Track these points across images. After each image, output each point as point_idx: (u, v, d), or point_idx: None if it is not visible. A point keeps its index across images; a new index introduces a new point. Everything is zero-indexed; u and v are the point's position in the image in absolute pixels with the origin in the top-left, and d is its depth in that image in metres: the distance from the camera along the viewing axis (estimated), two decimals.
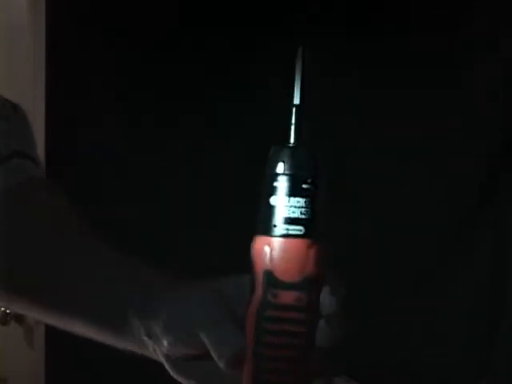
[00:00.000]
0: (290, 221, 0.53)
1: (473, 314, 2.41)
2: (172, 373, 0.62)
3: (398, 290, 2.37)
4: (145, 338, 0.62)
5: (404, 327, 2.39)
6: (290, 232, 0.53)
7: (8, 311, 1.67)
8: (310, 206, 0.53)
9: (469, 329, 2.42)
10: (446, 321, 2.41)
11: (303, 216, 0.53)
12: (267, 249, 0.54)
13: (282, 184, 0.53)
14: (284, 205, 0.53)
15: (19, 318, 1.70)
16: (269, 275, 0.54)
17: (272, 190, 0.53)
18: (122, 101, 2.19)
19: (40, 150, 1.77)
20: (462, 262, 2.40)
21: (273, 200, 0.53)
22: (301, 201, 0.53)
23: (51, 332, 1.96)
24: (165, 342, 0.59)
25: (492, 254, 2.41)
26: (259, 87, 2.11)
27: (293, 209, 0.53)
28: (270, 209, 0.53)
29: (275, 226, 0.53)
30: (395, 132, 2.31)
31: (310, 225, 0.54)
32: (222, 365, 0.56)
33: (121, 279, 0.65)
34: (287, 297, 0.54)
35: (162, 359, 0.62)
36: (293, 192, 0.53)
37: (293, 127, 0.54)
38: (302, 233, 0.54)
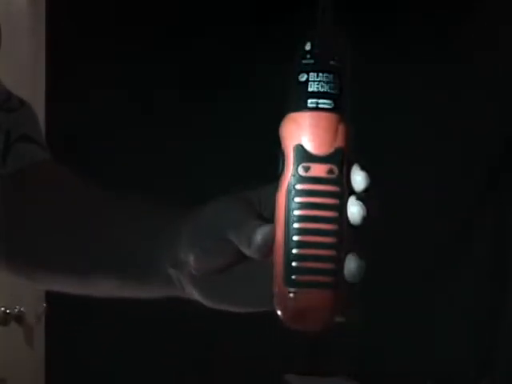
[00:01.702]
0: (319, 95, 0.54)
1: (473, 314, 2.41)
2: (200, 297, 0.59)
3: (398, 290, 2.37)
4: (170, 271, 0.60)
5: (404, 327, 2.39)
6: (320, 106, 0.54)
7: (8, 311, 1.67)
8: (338, 82, 0.54)
9: (469, 329, 2.42)
10: (446, 321, 2.41)
11: (332, 91, 0.54)
12: (298, 124, 0.54)
13: (310, 61, 0.54)
14: (313, 80, 0.54)
15: (19, 318, 1.70)
16: (300, 149, 0.54)
17: (301, 68, 0.54)
18: (123, 100, 2.19)
19: None
20: (462, 262, 2.40)
21: (302, 77, 0.54)
22: (329, 76, 0.54)
23: (51, 332, 1.96)
24: (191, 258, 0.57)
25: (492, 254, 2.42)
26: (259, 87, 2.11)
27: (322, 83, 0.54)
28: (300, 85, 0.54)
29: (305, 101, 0.54)
30: (395, 132, 2.31)
31: (338, 99, 0.54)
32: (254, 253, 0.54)
33: (144, 220, 0.65)
34: (319, 169, 0.54)
35: (189, 284, 0.59)
36: (322, 67, 0.54)
37: (320, 10, 0.55)
38: (331, 106, 0.54)
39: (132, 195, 0.68)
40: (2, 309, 1.67)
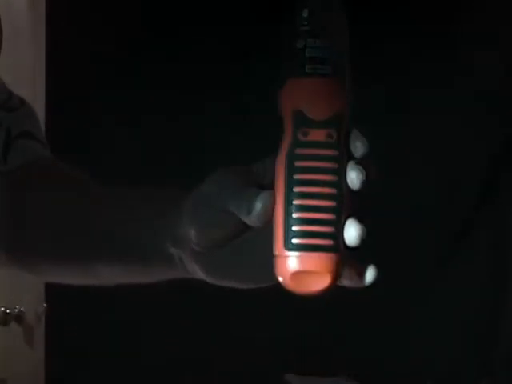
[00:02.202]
0: (318, 60, 0.54)
1: (473, 314, 2.41)
2: (202, 273, 0.59)
3: (398, 290, 2.37)
4: (171, 250, 0.60)
5: (404, 327, 2.39)
6: (318, 71, 0.54)
7: (8, 311, 1.67)
8: (336, 48, 0.55)
9: (469, 329, 2.42)
10: (446, 321, 2.41)
11: (330, 56, 0.55)
12: (296, 89, 0.55)
13: (308, 27, 0.55)
14: (311, 46, 0.55)
15: (19, 318, 1.70)
16: (299, 115, 0.55)
17: (299, 34, 0.55)
18: (123, 100, 2.19)
19: None
20: (462, 262, 2.40)
21: (299, 43, 0.55)
22: (327, 41, 0.55)
23: (51, 332, 1.96)
24: (192, 234, 0.57)
25: (492, 254, 2.41)
26: (259, 87, 2.11)
27: (320, 49, 0.55)
28: (298, 52, 0.55)
29: (303, 66, 0.54)
30: (395, 132, 2.31)
31: (336, 65, 0.55)
32: (254, 221, 0.55)
33: (143, 205, 0.65)
34: (318, 134, 0.54)
35: (191, 261, 0.59)
36: (319, 34, 0.55)
37: None
38: (329, 72, 0.55)
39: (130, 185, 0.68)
40: (2, 309, 1.67)
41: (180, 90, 2.24)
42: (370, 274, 0.58)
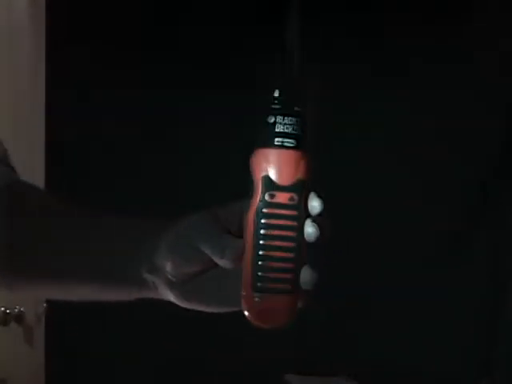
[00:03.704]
0: (284, 135, 0.66)
1: (473, 314, 2.41)
2: (175, 299, 0.71)
3: (397, 290, 2.37)
4: (145, 275, 0.71)
5: (404, 327, 2.39)
6: (285, 144, 0.66)
7: (8, 311, 1.67)
8: (301, 124, 0.66)
9: (469, 329, 2.42)
10: (446, 321, 2.41)
11: (295, 132, 0.67)
12: (266, 158, 0.67)
13: (278, 106, 0.66)
14: (279, 122, 0.66)
15: (19, 318, 1.70)
16: (267, 180, 0.67)
17: (270, 111, 0.66)
18: (123, 100, 2.19)
19: (40, 150, 1.77)
20: (462, 262, 2.40)
21: (270, 119, 0.66)
22: (293, 119, 0.66)
23: (51, 332, 1.96)
24: (168, 265, 0.68)
25: (492, 254, 2.41)
26: (258, 88, 2.11)
27: (287, 125, 0.66)
28: (268, 126, 0.66)
29: (273, 139, 0.66)
30: (395, 131, 2.31)
31: (300, 139, 0.67)
32: (226, 264, 0.66)
33: (119, 231, 0.74)
34: (282, 197, 0.66)
35: (165, 288, 0.69)
36: (287, 112, 0.66)
37: (288, 63, 0.66)
38: (294, 145, 0.67)
39: (107, 212, 0.76)
40: (2, 309, 1.67)
41: (182, 90, 2.24)
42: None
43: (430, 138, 2.32)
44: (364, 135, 2.33)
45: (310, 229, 0.66)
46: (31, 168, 1.64)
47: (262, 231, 0.67)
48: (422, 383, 2.32)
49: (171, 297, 0.71)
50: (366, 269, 2.44)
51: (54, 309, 1.85)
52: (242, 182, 0.69)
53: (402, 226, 2.35)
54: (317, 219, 0.66)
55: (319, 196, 0.66)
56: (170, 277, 0.69)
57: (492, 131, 2.35)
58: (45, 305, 1.81)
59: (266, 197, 0.66)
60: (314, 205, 0.66)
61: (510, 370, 2.36)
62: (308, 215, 0.66)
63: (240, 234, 0.68)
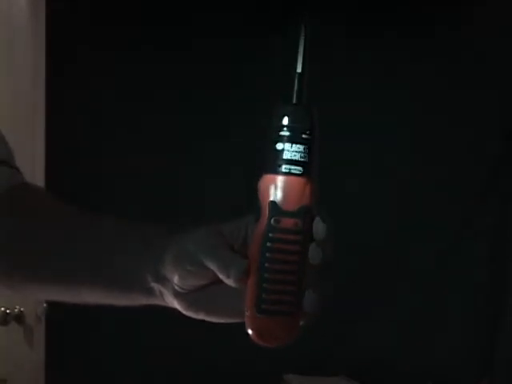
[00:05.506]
0: (292, 162, 0.66)
1: (473, 314, 2.42)
2: (181, 308, 0.70)
3: (397, 290, 2.38)
4: (152, 285, 0.70)
5: (404, 328, 2.39)
6: (292, 171, 0.66)
7: (8, 311, 1.67)
8: (308, 152, 0.66)
9: (469, 329, 2.43)
10: (446, 321, 2.42)
11: (302, 159, 0.66)
12: (273, 184, 0.67)
13: (286, 133, 0.66)
14: (287, 150, 0.66)
15: (19, 318, 1.70)
16: (273, 205, 0.67)
17: (278, 138, 0.66)
18: (123, 100, 2.19)
19: (40, 150, 1.77)
20: (462, 262, 2.40)
21: (279, 146, 0.66)
22: (301, 147, 0.66)
23: (51, 332, 1.96)
24: (175, 278, 0.68)
25: (492, 254, 2.42)
26: (259, 87, 2.12)
27: (294, 153, 0.66)
28: (276, 153, 0.66)
29: (280, 166, 0.66)
30: (395, 131, 2.31)
31: (307, 166, 0.67)
32: (231, 282, 0.66)
33: (126, 239, 0.74)
34: (287, 222, 0.67)
35: (171, 297, 0.70)
36: (295, 140, 0.66)
37: (295, 89, 0.67)
38: (301, 172, 0.66)
39: (117, 217, 0.76)
40: (2, 309, 1.67)
41: (181, 90, 2.24)
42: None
43: (431, 138, 2.33)
44: (369, 133, 2.34)
45: (314, 252, 0.67)
46: (31, 168, 1.64)
47: (267, 254, 0.67)
48: (422, 383, 2.32)
49: (178, 306, 0.71)
50: (365, 269, 2.45)
51: (54, 309, 1.85)
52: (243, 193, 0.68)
53: (401, 227, 2.35)
54: (320, 243, 0.67)
55: (324, 221, 0.67)
56: (176, 288, 0.69)
57: (492, 131, 2.36)
58: (45, 305, 1.81)
59: (272, 222, 0.67)
60: (319, 230, 0.67)
61: (510, 370, 2.37)
62: (312, 239, 0.67)
63: (243, 250, 0.68)
